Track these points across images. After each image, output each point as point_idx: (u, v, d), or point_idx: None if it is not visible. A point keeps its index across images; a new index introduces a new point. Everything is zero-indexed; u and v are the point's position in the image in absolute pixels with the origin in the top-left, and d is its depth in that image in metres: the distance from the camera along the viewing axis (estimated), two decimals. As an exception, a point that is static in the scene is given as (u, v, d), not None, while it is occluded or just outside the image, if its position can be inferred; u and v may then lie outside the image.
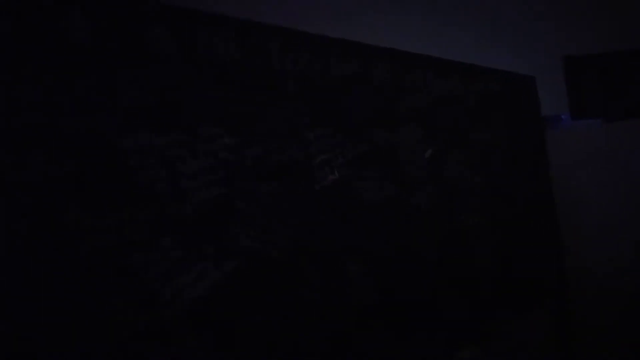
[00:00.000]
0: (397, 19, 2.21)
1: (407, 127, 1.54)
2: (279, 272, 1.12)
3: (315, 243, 1.20)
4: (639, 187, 2.42)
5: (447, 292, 1.54)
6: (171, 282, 0.93)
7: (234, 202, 1.07)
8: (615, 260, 2.38)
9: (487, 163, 1.83)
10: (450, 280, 1.55)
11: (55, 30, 0.84)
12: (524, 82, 2.10)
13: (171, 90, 0.98)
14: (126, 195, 0.90)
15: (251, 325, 1.05)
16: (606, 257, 2.38)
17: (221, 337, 0.99)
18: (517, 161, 1.99)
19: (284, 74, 1.20)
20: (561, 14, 2.61)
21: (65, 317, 0.80)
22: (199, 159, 1.02)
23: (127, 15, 0.93)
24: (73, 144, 0.84)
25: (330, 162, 1.26)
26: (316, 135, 1.25)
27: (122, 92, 0.91)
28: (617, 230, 2.41)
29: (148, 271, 0.91)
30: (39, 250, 0.79)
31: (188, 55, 1.02)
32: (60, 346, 0.79)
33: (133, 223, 0.90)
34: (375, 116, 1.43)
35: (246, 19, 1.16)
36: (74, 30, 0.87)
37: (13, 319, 0.75)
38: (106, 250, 0.86)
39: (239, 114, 1.10)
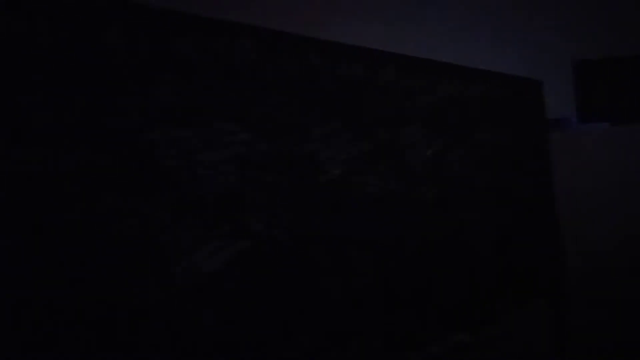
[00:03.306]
0: (408, 23, 2.31)
1: (412, 127, 1.65)
2: (284, 255, 1.25)
3: (319, 231, 1.33)
4: (643, 189, 2.48)
5: (446, 282, 1.65)
6: (190, 256, 1.06)
7: (245, 191, 1.20)
8: (616, 259, 2.45)
9: (490, 163, 1.93)
10: (448, 270, 1.66)
11: (92, 39, 0.98)
12: (530, 85, 2.19)
13: (194, 90, 1.12)
14: (152, 181, 1.04)
15: (258, 301, 1.18)
16: (607, 257, 2.45)
17: (231, 309, 1.13)
18: (520, 162, 2.08)
19: (294, 76, 1.32)
20: (572, 18, 2.68)
21: (93, 288, 0.94)
22: (217, 151, 1.16)
23: (155, 24, 1.07)
24: (110, 138, 0.98)
25: (334, 157, 1.38)
26: (323, 132, 1.37)
27: (150, 92, 1.05)
28: (620, 230, 2.48)
29: (170, 247, 1.05)
30: (75, 228, 0.93)
31: (208, 59, 1.15)
32: (82, 318, 0.93)
33: (157, 206, 1.04)
34: (380, 115, 1.54)
35: (259, 26, 1.29)
36: (109, 37, 1.01)
37: (42, 286, 0.90)
38: (135, 227, 1.00)
39: (253, 112, 1.23)
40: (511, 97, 2.07)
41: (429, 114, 1.71)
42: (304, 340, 1.26)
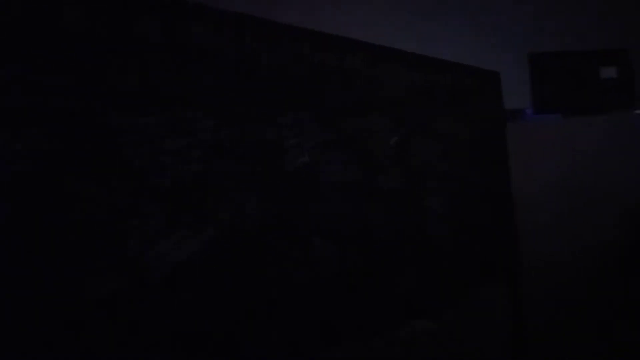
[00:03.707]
0: (371, 12, 2.31)
1: (375, 116, 1.66)
2: (251, 244, 1.24)
3: (284, 219, 1.32)
4: (592, 179, 2.60)
5: (405, 268, 1.67)
6: (153, 247, 1.03)
7: (211, 178, 1.18)
8: (568, 247, 2.56)
9: (450, 151, 1.97)
10: (408, 256, 1.69)
11: (53, 20, 0.93)
12: (489, 76, 2.24)
13: (158, 75, 1.08)
14: (113, 168, 1.00)
15: (226, 291, 1.16)
16: (559, 245, 2.55)
17: (198, 300, 1.11)
18: (479, 150, 2.13)
19: (260, 62, 1.30)
20: (528, 11, 2.75)
21: (58, 278, 0.91)
22: (181, 138, 1.12)
23: (120, 6, 1.02)
24: (68, 122, 0.94)
25: (300, 145, 1.37)
26: (289, 120, 1.36)
27: (114, 77, 1.01)
28: (571, 219, 2.58)
29: (131, 236, 1.01)
30: (37, 216, 0.89)
31: (172, 44, 1.11)
32: (49, 307, 0.90)
33: (118, 193, 1.01)
34: (345, 104, 1.54)
35: (222, 9, 1.25)
36: (70, 19, 0.96)
37: (11, 276, 0.85)
38: (96, 216, 0.97)
39: (219, 98, 1.20)
40: (471, 88, 2.11)
41: (392, 103, 1.72)
42: (272, 329, 1.25)
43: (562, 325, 2.53)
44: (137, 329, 1.00)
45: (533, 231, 2.52)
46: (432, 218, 1.81)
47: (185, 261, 1.09)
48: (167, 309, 1.06)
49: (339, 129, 1.51)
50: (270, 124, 1.31)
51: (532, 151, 2.56)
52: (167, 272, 1.05)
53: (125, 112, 1.03)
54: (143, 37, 1.07)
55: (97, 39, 0.99)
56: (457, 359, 1.85)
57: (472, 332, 1.96)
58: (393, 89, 1.72)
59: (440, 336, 1.71)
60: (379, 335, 1.54)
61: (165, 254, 1.06)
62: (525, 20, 2.79)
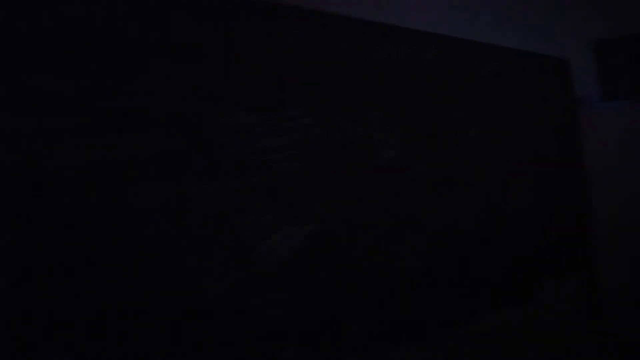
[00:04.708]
0: (439, 3, 2.31)
1: (453, 108, 1.66)
2: (344, 237, 1.27)
3: (376, 213, 1.34)
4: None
5: (488, 259, 1.67)
6: (263, 241, 1.08)
7: (308, 174, 1.21)
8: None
9: (525, 141, 1.95)
10: (491, 247, 1.69)
11: (161, 28, 0.98)
12: (559, 64, 2.20)
13: (261, 79, 1.12)
14: (221, 166, 1.05)
15: (325, 282, 1.20)
16: (633, 225, 2.48)
17: (303, 289, 1.15)
18: (553, 138, 2.10)
19: (348, 61, 1.33)
20: (593, -3, 2.68)
21: (177, 270, 0.96)
22: (281, 136, 1.17)
23: (224, 14, 1.07)
24: (183, 125, 0.99)
25: (387, 140, 1.39)
26: (377, 115, 1.38)
27: (223, 81, 1.06)
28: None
29: (243, 232, 1.06)
30: (157, 212, 0.95)
31: (272, 47, 1.16)
32: (174, 294, 0.95)
33: (228, 191, 1.05)
34: (424, 98, 1.55)
35: (316, 11, 1.29)
36: (177, 28, 1.01)
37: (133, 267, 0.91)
38: (209, 214, 1.02)
39: (315, 98, 1.24)
40: (542, 76, 2.08)
41: (467, 95, 1.72)
42: (370, 319, 1.28)
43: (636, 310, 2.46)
44: (253, 322, 1.05)
45: (606, 214, 2.46)
46: (512, 209, 1.80)
47: (289, 255, 1.13)
48: (278, 300, 1.10)
49: (421, 123, 1.52)
50: (359, 121, 1.34)
51: (603, 136, 2.50)
52: (278, 266, 1.09)
53: (231, 112, 1.08)
54: (242, 41, 1.11)
55: (203, 45, 1.04)
56: (538, 348, 1.83)
57: (551, 322, 1.93)
58: (468, 80, 1.72)
59: (522, 326, 1.70)
60: (464, 327, 1.55)
61: (274, 246, 1.10)
62: (590, 5, 2.72)
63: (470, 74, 1.73)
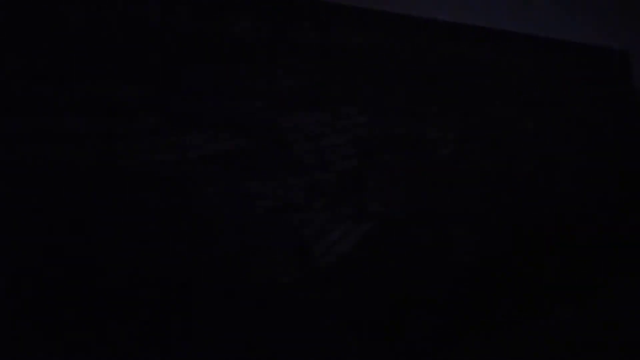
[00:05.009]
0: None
1: (507, 103, 1.64)
2: (401, 233, 1.28)
3: (430, 208, 1.35)
4: None
5: (547, 257, 1.64)
6: (323, 238, 1.11)
7: (364, 172, 1.23)
8: None
9: (584, 133, 1.90)
10: (550, 244, 1.66)
11: (221, 29, 1.02)
12: (618, 56, 2.13)
13: (316, 77, 1.15)
14: (285, 165, 1.08)
15: (384, 277, 1.22)
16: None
17: (362, 284, 1.17)
18: (610, 133, 2.04)
19: (402, 58, 1.34)
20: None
21: (237, 263, 1.00)
22: (338, 134, 1.19)
23: (282, 14, 1.10)
24: (245, 123, 1.03)
25: (443, 138, 1.39)
26: (431, 112, 1.38)
27: (280, 80, 1.09)
28: None
29: (304, 229, 1.09)
30: (227, 208, 0.99)
31: (327, 47, 1.18)
32: (235, 283, 0.99)
33: (290, 188, 1.09)
34: (479, 95, 1.54)
35: (368, 9, 1.30)
36: (237, 28, 1.04)
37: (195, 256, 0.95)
38: (270, 210, 1.05)
39: (369, 95, 1.25)
40: (600, 68, 2.02)
41: (522, 90, 1.69)
42: (431, 313, 1.29)
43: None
44: (311, 316, 1.08)
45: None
46: (570, 205, 1.76)
47: (350, 249, 1.16)
48: (336, 294, 1.13)
49: (475, 119, 1.51)
50: (417, 117, 1.34)
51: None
52: (337, 262, 1.12)
53: (291, 111, 1.11)
54: (303, 42, 1.14)
55: (266, 46, 1.07)
56: (599, 345, 1.79)
57: (613, 319, 1.88)
58: (521, 74, 1.69)
59: (583, 323, 1.66)
60: (523, 323, 1.53)
61: (334, 243, 1.13)
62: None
63: (527, 69, 1.70)
